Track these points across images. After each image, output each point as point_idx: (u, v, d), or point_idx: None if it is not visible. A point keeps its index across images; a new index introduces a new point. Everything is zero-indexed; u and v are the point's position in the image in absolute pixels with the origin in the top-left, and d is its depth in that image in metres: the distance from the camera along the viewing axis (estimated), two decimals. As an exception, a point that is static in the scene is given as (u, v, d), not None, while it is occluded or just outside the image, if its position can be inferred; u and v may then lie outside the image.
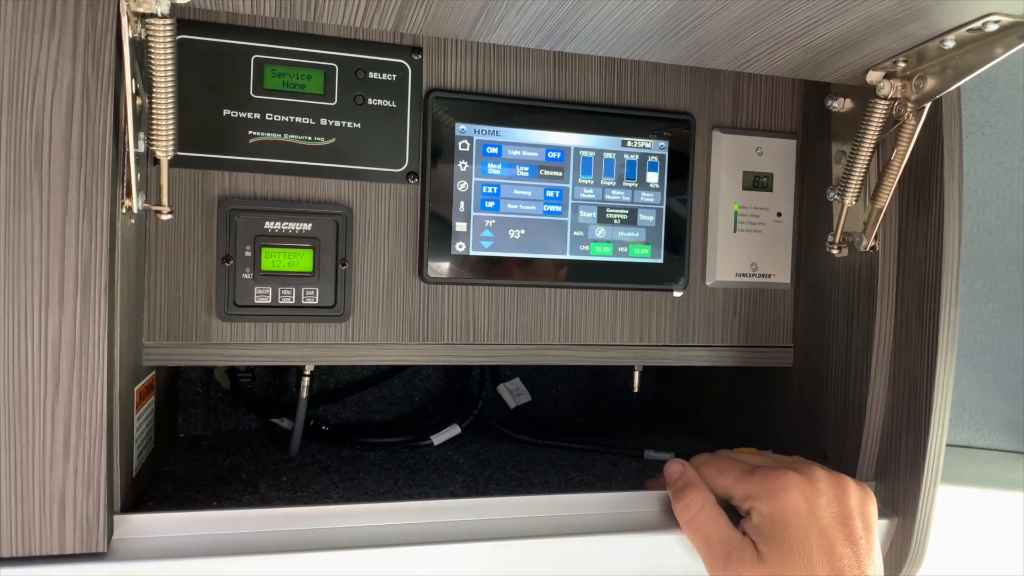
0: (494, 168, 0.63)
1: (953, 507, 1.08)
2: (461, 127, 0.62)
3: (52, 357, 0.45)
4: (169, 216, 0.52)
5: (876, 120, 0.58)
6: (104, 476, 0.46)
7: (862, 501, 0.52)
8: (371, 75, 0.60)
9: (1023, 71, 0.74)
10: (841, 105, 0.64)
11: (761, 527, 0.51)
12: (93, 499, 0.46)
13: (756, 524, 0.51)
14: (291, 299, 0.59)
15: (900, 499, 0.61)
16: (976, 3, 0.46)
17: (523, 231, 0.64)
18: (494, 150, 0.63)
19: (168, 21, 0.46)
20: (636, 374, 0.80)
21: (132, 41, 0.45)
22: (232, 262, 0.57)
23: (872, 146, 0.59)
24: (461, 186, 0.62)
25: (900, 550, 0.61)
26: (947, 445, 1.05)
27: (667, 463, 0.58)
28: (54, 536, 0.46)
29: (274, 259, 0.58)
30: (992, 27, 0.48)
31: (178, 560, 0.48)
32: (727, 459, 0.56)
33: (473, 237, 0.63)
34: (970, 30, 0.49)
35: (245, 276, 0.58)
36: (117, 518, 0.48)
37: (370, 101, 0.60)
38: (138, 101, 0.48)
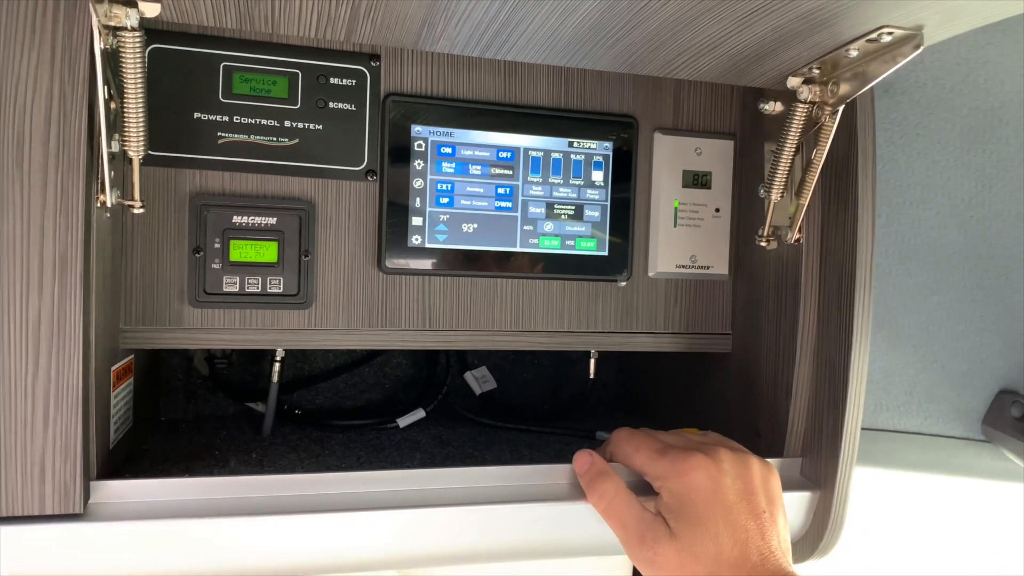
0: (448, 167, 0.68)
1: (904, 491, 1.12)
2: (417, 128, 0.67)
3: (32, 337, 0.50)
4: (141, 210, 0.57)
5: (797, 121, 0.63)
6: (80, 445, 0.51)
7: (765, 477, 0.57)
8: (332, 80, 0.65)
9: (948, 75, 0.79)
10: (772, 108, 0.69)
11: (671, 506, 0.55)
12: (70, 465, 0.51)
13: (667, 503, 0.55)
14: (257, 288, 0.63)
15: (822, 473, 0.66)
16: (869, 17, 0.51)
17: (476, 225, 0.69)
18: (448, 150, 0.68)
19: (137, 34, 0.51)
20: (592, 361, 0.85)
21: (104, 52, 0.50)
22: (202, 253, 0.62)
23: (794, 145, 0.64)
24: (417, 183, 0.67)
25: (821, 520, 0.66)
26: (898, 432, 1.10)
27: (575, 454, 0.61)
28: (34, 498, 0.51)
29: (241, 251, 0.63)
30: (886, 38, 0.53)
31: (149, 521, 0.53)
32: (643, 436, 0.60)
33: (428, 231, 0.68)
34: (869, 40, 0.54)
35: (215, 266, 0.62)
36: (93, 484, 0.53)
37: (331, 104, 0.65)
38: (112, 105, 0.53)
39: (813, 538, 0.66)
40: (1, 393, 0.49)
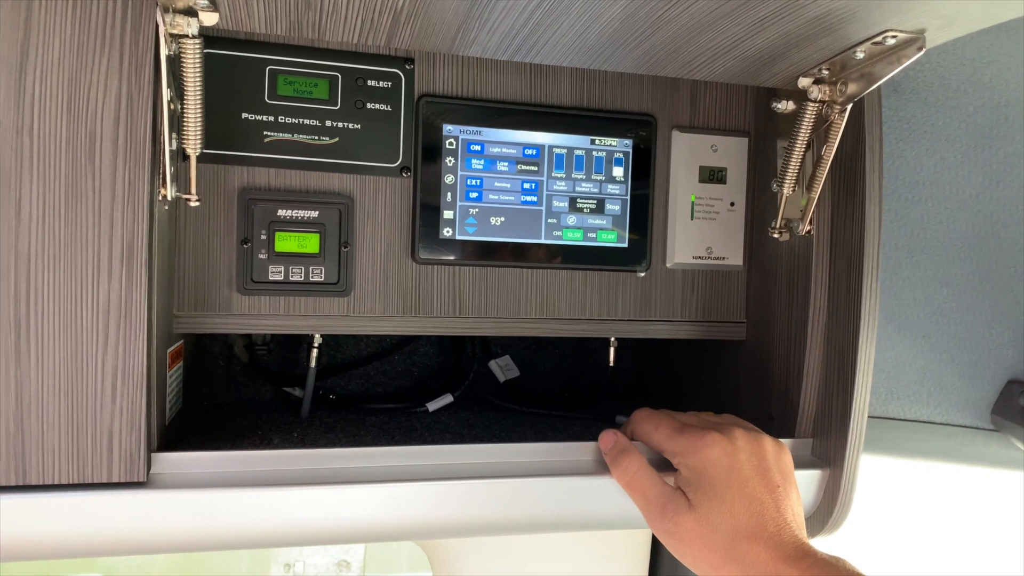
0: (477, 163, 0.72)
1: (914, 478, 1.15)
2: (448, 127, 0.71)
3: (103, 318, 0.54)
4: (197, 203, 0.62)
5: (807, 119, 0.67)
6: (144, 418, 0.56)
7: (778, 454, 0.61)
8: (369, 83, 0.69)
9: (954, 74, 0.82)
10: (784, 107, 0.73)
11: (689, 480, 0.59)
12: (135, 437, 0.56)
13: (685, 477, 0.59)
14: (300, 276, 0.68)
15: (832, 453, 0.69)
16: (874, 22, 0.55)
17: (503, 219, 0.73)
18: (477, 148, 0.72)
19: (197, 41, 0.55)
20: (612, 349, 0.89)
21: (167, 58, 0.55)
22: (250, 244, 0.67)
23: (805, 142, 0.68)
24: (448, 179, 0.71)
25: (831, 497, 0.69)
26: (908, 420, 1.13)
27: (601, 433, 0.65)
28: (103, 467, 0.55)
29: (286, 242, 0.68)
30: (891, 41, 0.57)
31: (205, 490, 0.57)
32: (663, 416, 0.64)
33: (459, 224, 0.72)
34: (874, 43, 0.58)
35: (261, 256, 0.67)
36: (154, 455, 0.58)
37: (369, 105, 0.70)
38: (172, 107, 0.58)
39: (823, 514, 0.70)
40: (76, 369, 0.54)
